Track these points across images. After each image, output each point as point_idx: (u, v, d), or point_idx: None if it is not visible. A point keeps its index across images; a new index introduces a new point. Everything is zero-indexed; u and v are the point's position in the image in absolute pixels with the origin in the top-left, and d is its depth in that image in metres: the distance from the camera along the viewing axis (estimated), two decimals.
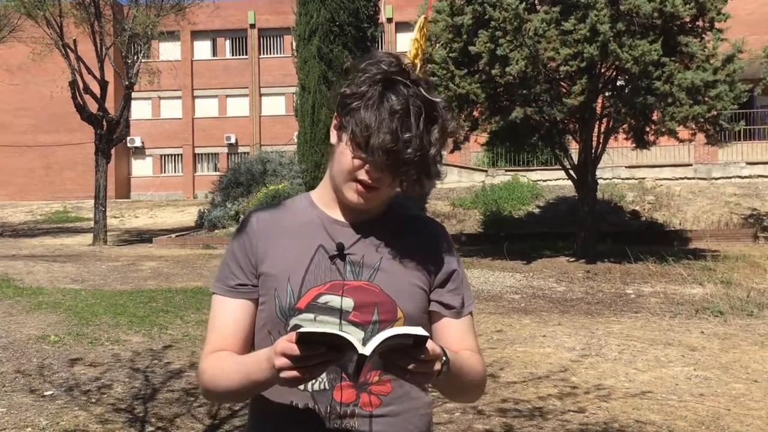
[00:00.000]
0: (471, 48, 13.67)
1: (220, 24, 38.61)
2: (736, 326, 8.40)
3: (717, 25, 13.69)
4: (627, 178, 21.69)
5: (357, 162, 1.42)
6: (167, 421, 4.97)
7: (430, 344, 1.26)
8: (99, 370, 6.34)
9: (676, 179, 21.52)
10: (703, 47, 13.17)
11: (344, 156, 1.44)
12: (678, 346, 7.39)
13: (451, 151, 17.21)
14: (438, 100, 1.43)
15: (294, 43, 18.90)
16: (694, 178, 21.53)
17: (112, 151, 21.09)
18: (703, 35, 13.77)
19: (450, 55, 14.06)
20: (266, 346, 1.40)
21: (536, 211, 20.49)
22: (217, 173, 31.78)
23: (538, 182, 21.93)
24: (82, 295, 10.37)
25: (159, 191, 38.07)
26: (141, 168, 39.74)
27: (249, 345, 1.53)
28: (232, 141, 38.47)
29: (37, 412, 5.16)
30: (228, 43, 40.03)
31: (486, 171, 22.98)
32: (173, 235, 20.22)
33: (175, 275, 12.87)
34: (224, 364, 1.46)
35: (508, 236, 17.63)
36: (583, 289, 11.47)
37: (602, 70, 14.20)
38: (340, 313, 1.46)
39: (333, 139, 1.49)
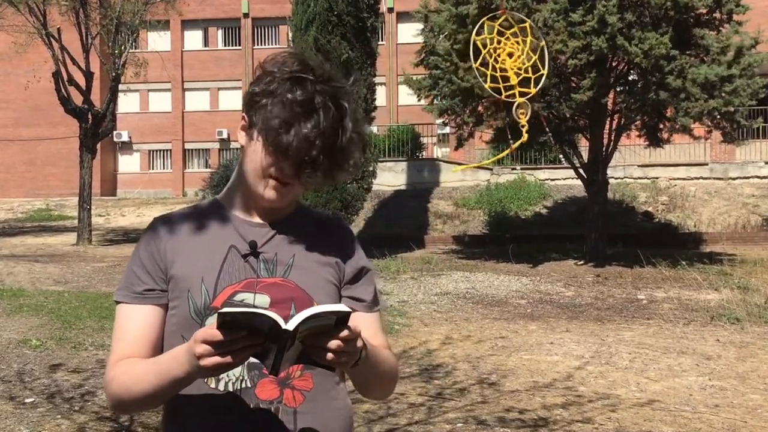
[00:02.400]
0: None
1: (212, 13, 38.60)
2: (754, 334, 8.40)
3: (735, 17, 13.71)
4: (639, 178, 21.70)
5: (268, 159, 1.48)
6: (153, 431, 4.98)
7: (351, 321, 1.32)
8: (82, 376, 6.34)
9: (691, 179, 21.53)
10: (719, 40, 13.18)
11: (256, 154, 1.50)
12: (692, 354, 7.39)
13: (456, 148, 17.20)
14: (344, 87, 1.50)
15: (290, 34, 18.89)
16: (710, 178, 21.54)
17: (98, 146, 21.10)
18: (721, 28, 13.79)
19: (454, 47, 14.06)
20: None
21: (544, 211, 20.50)
22: (209, 170, 31.79)
23: (546, 181, 21.95)
24: (65, 298, 10.36)
25: (147, 188, 38.06)
26: (128, 164, 39.73)
27: (158, 353, 1.54)
28: (224, 136, 38.45)
29: (17, 420, 5.16)
30: (220, 32, 40.03)
31: (491, 169, 22.99)
32: None
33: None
34: (135, 368, 1.48)
35: (513, 238, 17.64)
36: (592, 294, 11.48)
37: (613, 64, 14.21)
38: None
39: (242, 140, 1.55)
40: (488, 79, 10.94)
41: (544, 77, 10.72)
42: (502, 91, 10.65)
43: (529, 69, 10.58)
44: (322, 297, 1.55)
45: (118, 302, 1.57)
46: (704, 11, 13.70)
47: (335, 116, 1.46)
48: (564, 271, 13.76)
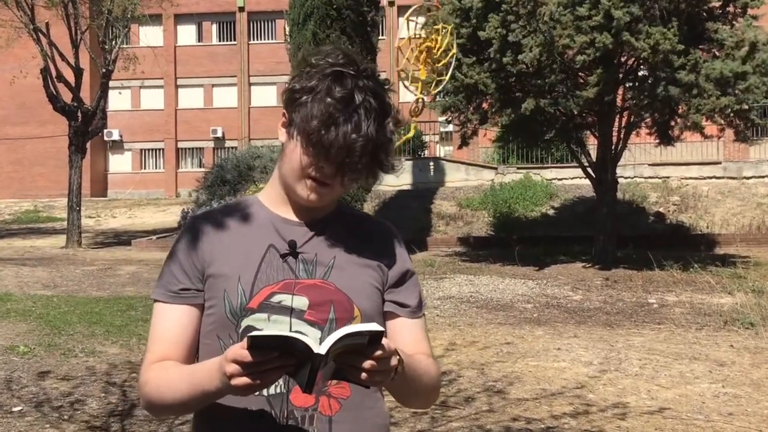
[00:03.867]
0: (480, 33, 13.67)
1: (207, 6, 38.64)
2: None
3: (750, 11, 13.71)
4: (650, 177, 21.70)
5: (308, 159, 1.48)
6: None
7: (384, 340, 1.32)
8: (72, 384, 6.34)
9: (704, 178, 21.53)
10: (732, 35, 13.17)
11: (295, 153, 1.51)
12: (705, 360, 7.39)
13: (459, 147, 17.23)
14: (387, 83, 1.52)
15: (287, 28, 18.91)
16: (723, 178, 21.53)
17: (88, 145, 21.10)
18: (734, 22, 13.79)
19: (457, 41, 14.08)
20: (214, 352, 1.47)
21: (550, 212, 20.50)
22: (203, 169, 31.74)
23: (553, 181, 21.95)
24: (54, 302, 10.37)
25: (138, 189, 38.10)
26: (119, 164, 39.76)
27: (194, 353, 1.56)
28: (219, 134, 38.50)
29: (4, 429, 5.16)
30: (215, 27, 40.06)
31: (496, 168, 22.99)
32: (154, 237, 20.23)
33: (155, 281, 12.88)
34: (170, 374, 1.49)
35: (519, 240, 17.64)
36: (601, 298, 11.48)
37: (622, 59, 14.22)
38: (291, 312, 1.51)
39: (282, 137, 1.56)
40: (403, 62, 11.13)
41: (444, 82, 10.95)
42: (409, 78, 10.78)
43: (434, 69, 10.74)
44: (363, 300, 1.56)
45: (155, 300, 1.59)
46: (717, 4, 13.70)
47: (377, 114, 1.46)
48: (572, 274, 13.76)
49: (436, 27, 10.74)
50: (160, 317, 1.58)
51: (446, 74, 10.79)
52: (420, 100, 10.60)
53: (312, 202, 1.54)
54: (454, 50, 10.65)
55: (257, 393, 1.46)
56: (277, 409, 1.49)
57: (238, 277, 1.52)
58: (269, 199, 1.62)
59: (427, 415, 5.46)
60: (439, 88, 10.88)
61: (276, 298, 1.52)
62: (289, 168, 1.53)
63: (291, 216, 1.59)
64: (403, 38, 11.40)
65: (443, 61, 10.62)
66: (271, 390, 1.48)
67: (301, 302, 1.52)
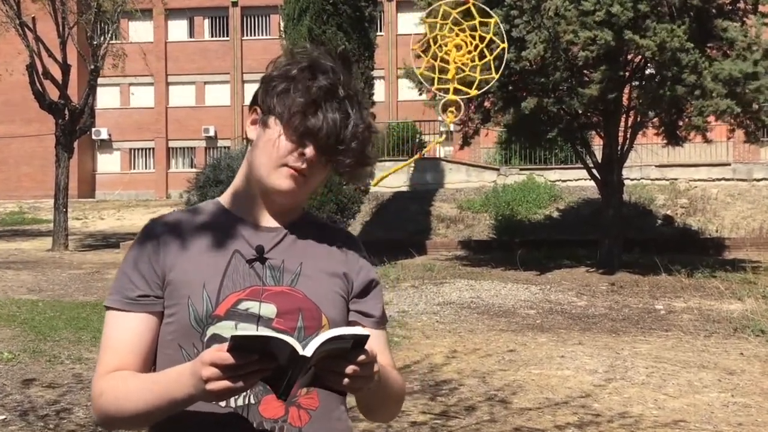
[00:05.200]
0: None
1: (198, 1, 38.65)
2: None
3: (761, 8, 13.71)
4: (657, 179, 21.73)
5: (289, 146, 1.50)
6: None
7: (367, 345, 1.32)
8: (58, 392, 6.33)
9: (713, 180, 21.56)
10: (744, 33, 13.17)
11: (271, 142, 1.52)
12: (714, 369, 7.39)
13: (460, 147, 17.23)
14: (354, 78, 1.58)
15: (282, 24, 18.91)
16: (732, 179, 21.56)
17: (75, 144, 21.08)
18: (745, 19, 13.80)
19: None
20: (174, 362, 1.45)
21: (554, 215, 20.52)
22: (194, 170, 31.70)
23: (557, 183, 21.97)
24: (39, 307, 10.35)
25: (128, 190, 38.07)
26: (107, 163, 39.73)
27: (150, 364, 1.54)
28: (211, 133, 38.49)
29: None
30: (207, 22, 40.07)
31: (498, 170, 23.00)
32: None
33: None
34: (129, 383, 1.46)
35: (522, 243, 17.65)
36: (606, 303, 11.48)
37: (628, 57, 14.23)
38: (258, 320, 1.50)
39: (251, 134, 1.58)
40: (423, 65, 10.96)
41: (493, 81, 10.73)
42: (435, 82, 10.64)
43: (478, 68, 10.54)
44: (330, 309, 1.56)
45: (108, 308, 1.55)
46: (727, 0, 13.71)
47: (359, 105, 1.53)
48: (576, 279, 13.76)
49: (470, 23, 10.60)
50: (114, 325, 1.54)
51: (496, 73, 10.59)
52: (455, 101, 10.42)
53: (286, 194, 1.53)
54: (504, 45, 10.51)
55: (224, 403, 1.45)
56: (245, 421, 1.47)
57: (203, 283, 1.50)
58: (233, 202, 1.62)
59: (426, 425, 5.45)
60: (486, 87, 10.67)
61: (243, 305, 1.50)
62: (265, 158, 1.53)
63: (256, 220, 1.59)
64: (421, 40, 11.19)
65: (488, 57, 10.47)
66: (239, 401, 1.47)
67: (268, 310, 1.51)
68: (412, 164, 20.50)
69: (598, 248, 15.49)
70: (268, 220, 1.59)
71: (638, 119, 14.97)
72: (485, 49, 10.49)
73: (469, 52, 10.43)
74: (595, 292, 12.48)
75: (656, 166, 22.05)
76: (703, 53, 12.92)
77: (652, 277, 13.48)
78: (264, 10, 38.38)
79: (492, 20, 10.62)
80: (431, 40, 10.74)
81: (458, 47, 10.51)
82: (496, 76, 10.59)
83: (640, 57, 14.10)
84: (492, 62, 10.56)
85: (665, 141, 15.52)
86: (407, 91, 18.81)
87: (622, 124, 15.20)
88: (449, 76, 10.30)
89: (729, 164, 22.20)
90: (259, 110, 1.56)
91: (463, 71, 10.45)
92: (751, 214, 19.91)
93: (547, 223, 20.02)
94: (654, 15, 12.76)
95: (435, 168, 23.73)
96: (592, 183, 16.68)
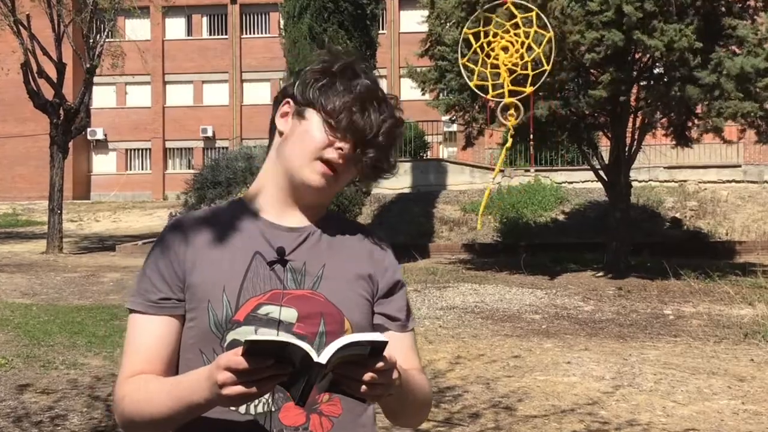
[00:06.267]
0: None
1: None
2: None
3: None
4: (666, 181, 21.72)
5: (327, 139, 1.54)
6: None
7: (386, 351, 1.32)
8: (52, 398, 6.33)
9: (723, 182, 21.55)
10: (755, 31, 13.16)
11: (307, 134, 1.54)
12: (724, 375, 7.39)
13: (463, 148, 17.23)
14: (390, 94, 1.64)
15: (282, 22, 18.94)
16: (743, 181, 21.55)
17: (70, 144, 21.10)
18: (755, 17, 13.79)
19: (462, 36, 14.08)
20: (195, 367, 1.45)
21: (560, 217, 20.51)
22: (192, 171, 31.76)
23: (563, 184, 21.97)
24: (33, 311, 10.36)
25: (124, 191, 38.10)
26: (103, 164, 39.78)
27: (173, 368, 1.54)
28: (209, 134, 38.53)
29: None
30: (205, 20, 40.12)
31: (503, 171, 23.01)
32: (140, 242, 20.22)
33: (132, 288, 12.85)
34: (150, 387, 1.47)
35: (527, 247, 17.65)
36: (614, 308, 11.48)
37: (636, 57, 14.22)
38: (278, 325, 1.49)
39: (283, 126, 1.59)
40: (475, 77, 10.91)
41: (546, 74, 10.59)
42: (490, 90, 10.60)
43: (529, 65, 10.46)
44: (354, 312, 1.55)
45: (131, 310, 1.56)
46: None
47: (392, 106, 1.60)
48: (582, 284, 13.75)
49: (512, 21, 10.57)
50: (138, 329, 1.54)
51: (547, 64, 10.49)
52: (513, 104, 10.35)
53: (317, 191, 1.55)
54: (550, 33, 10.43)
55: (244, 410, 1.45)
56: (264, 429, 1.47)
57: (222, 286, 1.50)
58: (256, 199, 1.61)
59: None
60: (540, 80, 10.57)
61: (263, 310, 1.50)
62: (298, 150, 1.55)
63: (278, 221, 1.58)
64: (467, 54, 11.12)
65: (537, 51, 10.41)
66: (259, 408, 1.47)
67: (289, 314, 1.50)
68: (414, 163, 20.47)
69: (605, 252, 15.48)
70: (291, 219, 1.59)
71: (646, 120, 14.97)
72: (532, 43, 10.45)
73: (517, 51, 10.41)
74: (602, 296, 12.47)
75: (665, 167, 22.04)
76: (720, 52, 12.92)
77: (661, 282, 13.47)
78: (263, 8, 38.43)
79: (533, 13, 10.57)
80: (478, 49, 10.72)
81: (505, 49, 10.49)
82: (548, 68, 10.49)
83: (648, 57, 14.09)
84: (542, 54, 10.49)
85: (674, 142, 15.51)
86: (410, 90, 18.78)
87: (630, 124, 15.19)
88: (501, 80, 10.29)
89: (739, 166, 22.19)
90: (292, 102, 1.58)
91: (515, 71, 10.43)
92: (762, 216, 19.89)
93: (552, 226, 20.02)
94: (661, 15, 12.77)
95: (438, 169, 23.74)
96: (599, 185, 16.67)
